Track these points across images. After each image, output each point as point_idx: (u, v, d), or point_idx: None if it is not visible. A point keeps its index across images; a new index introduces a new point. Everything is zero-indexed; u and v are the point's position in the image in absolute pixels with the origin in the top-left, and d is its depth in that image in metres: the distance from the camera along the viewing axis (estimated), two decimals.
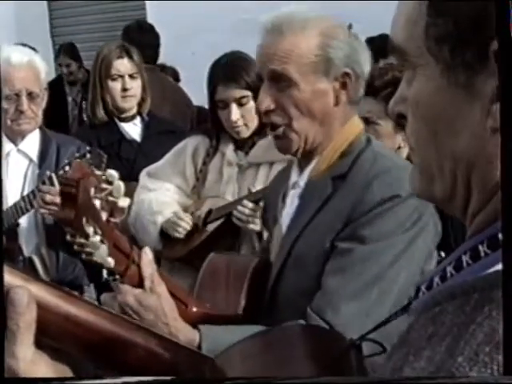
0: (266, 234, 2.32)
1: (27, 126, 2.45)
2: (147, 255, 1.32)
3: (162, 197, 2.54)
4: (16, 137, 2.46)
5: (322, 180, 1.43)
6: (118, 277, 1.28)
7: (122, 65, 2.99)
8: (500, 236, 0.61)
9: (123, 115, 3.04)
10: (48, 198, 2.20)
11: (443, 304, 0.63)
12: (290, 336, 0.98)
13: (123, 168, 2.98)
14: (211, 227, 2.43)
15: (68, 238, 1.21)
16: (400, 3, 0.68)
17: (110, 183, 1.20)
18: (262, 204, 2.24)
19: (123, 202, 1.24)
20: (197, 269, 2.06)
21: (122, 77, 2.99)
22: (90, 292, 2.63)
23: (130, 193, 2.85)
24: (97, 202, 1.19)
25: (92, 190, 1.17)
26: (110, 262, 1.23)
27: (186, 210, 2.52)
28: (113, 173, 1.21)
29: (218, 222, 2.41)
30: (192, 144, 2.56)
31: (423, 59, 0.64)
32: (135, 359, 0.79)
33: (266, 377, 0.82)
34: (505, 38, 0.57)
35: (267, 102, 1.41)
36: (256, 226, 2.28)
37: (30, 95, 2.41)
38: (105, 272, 1.28)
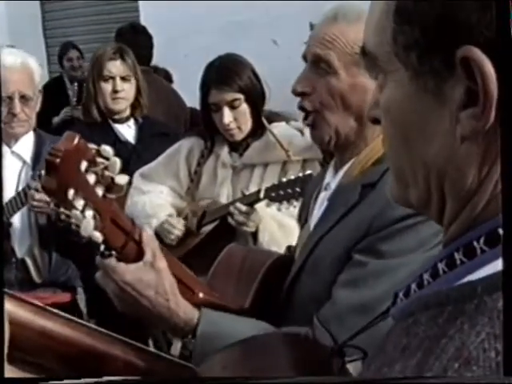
0: (264, 235, 2.33)
1: (20, 129, 2.45)
2: (147, 232, 1.30)
3: (155, 199, 2.54)
4: (10, 139, 2.46)
5: (352, 185, 1.36)
6: (113, 252, 1.26)
7: (114, 66, 2.99)
8: (475, 244, 0.61)
9: (116, 117, 3.04)
10: (37, 196, 2.22)
11: (417, 314, 0.62)
12: (270, 344, 0.98)
13: None
14: (206, 229, 2.44)
15: (52, 206, 1.19)
16: (371, 8, 0.67)
17: (106, 159, 1.18)
18: (263, 205, 2.26)
19: (120, 179, 1.20)
20: (192, 271, 2.07)
21: (113, 78, 2.99)
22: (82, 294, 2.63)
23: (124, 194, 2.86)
24: (92, 176, 1.16)
25: (84, 164, 1.14)
26: (98, 236, 1.20)
27: (180, 212, 2.53)
28: (107, 148, 1.18)
29: (213, 225, 2.41)
30: (186, 146, 2.56)
31: (393, 65, 0.64)
32: (114, 371, 0.79)
33: (245, 377, 0.82)
34: (505, 38, 0.56)
35: (303, 85, 1.36)
36: (250, 228, 2.28)
37: (23, 98, 2.41)
38: (102, 246, 1.24)
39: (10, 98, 2.38)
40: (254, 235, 2.29)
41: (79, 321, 0.80)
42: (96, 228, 1.19)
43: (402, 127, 0.65)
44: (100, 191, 1.17)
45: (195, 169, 2.54)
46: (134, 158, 3.00)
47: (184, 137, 2.67)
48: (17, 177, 2.46)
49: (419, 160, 0.64)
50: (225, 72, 2.39)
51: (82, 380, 0.72)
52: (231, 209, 2.28)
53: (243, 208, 2.25)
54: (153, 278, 1.27)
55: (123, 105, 3.02)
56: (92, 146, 1.16)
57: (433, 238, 1.25)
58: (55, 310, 0.78)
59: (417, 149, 0.64)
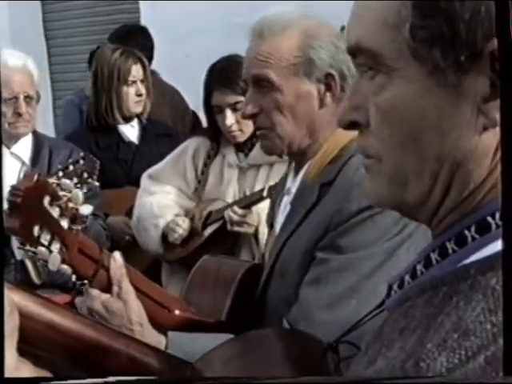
0: (265, 236, 2.34)
1: (24, 130, 2.47)
2: (116, 261, 1.31)
3: (163, 200, 2.56)
4: (10, 140, 2.47)
5: (311, 186, 1.38)
6: (85, 282, 1.28)
7: (136, 70, 3.05)
8: (466, 233, 0.62)
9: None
10: None
11: (413, 299, 0.64)
12: (268, 339, 0.99)
13: (121, 170, 3.00)
14: (210, 229, 2.46)
15: (18, 245, 1.22)
16: (364, 6, 0.66)
17: (68, 191, 1.22)
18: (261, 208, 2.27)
19: (84, 210, 1.24)
20: None
21: (135, 82, 3.05)
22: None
23: (126, 197, 2.87)
24: (56, 210, 1.20)
25: (47, 198, 1.18)
26: (66, 269, 1.23)
27: (187, 212, 2.55)
28: (67, 182, 1.23)
29: (217, 225, 2.43)
30: (192, 146, 2.58)
31: (402, 62, 0.63)
32: (117, 365, 0.80)
33: (248, 377, 0.83)
34: (505, 38, 0.57)
35: (250, 107, 1.38)
36: (247, 230, 2.30)
37: (28, 98, 2.43)
38: (73, 277, 1.27)
39: (16, 98, 2.39)
40: (256, 236, 2.31)
41: (84, 315, 0.81)
42: (64, 261, 1.22)
43: (412, 124, 0.63)
44: (65, 223, 1.21)
45: (202, 169, 2.55)
46: (137, 158, 3.02)
47: (190, 137, 2.69)
48: (16, 177, 2.46)
49: (430, 155, 0.63)
50: (227, 74, 2.40)
51: (86, 380, 0.73)
52: (226, 214, 2.30)
53: (239, 210, 2.28)
54: (119, 308, 1.30)
55: (142, 107, 3.09)
56: (52, 180, 1.19)
57: (392, 227, 1.27)
58: (63, 305, 0.79)
59: (428, 144, 0.63)
